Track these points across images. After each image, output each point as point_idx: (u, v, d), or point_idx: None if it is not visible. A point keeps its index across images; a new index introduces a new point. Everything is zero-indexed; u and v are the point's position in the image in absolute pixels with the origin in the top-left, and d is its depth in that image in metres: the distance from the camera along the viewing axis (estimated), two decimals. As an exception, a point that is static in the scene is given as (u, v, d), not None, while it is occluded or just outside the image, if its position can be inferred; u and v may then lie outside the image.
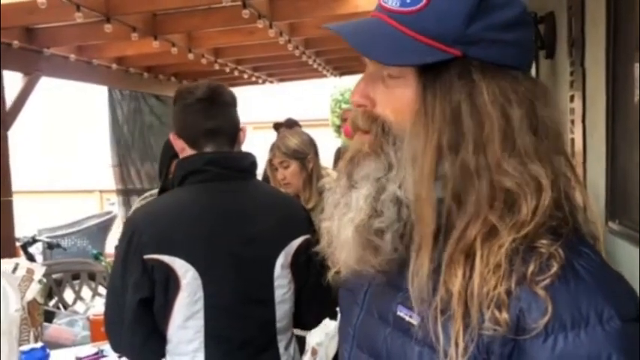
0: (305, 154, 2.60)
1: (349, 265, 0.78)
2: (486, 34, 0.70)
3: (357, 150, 0.79)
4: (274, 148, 2.62)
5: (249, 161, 1.65)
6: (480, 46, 0.70)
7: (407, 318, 0.74)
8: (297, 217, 1.67)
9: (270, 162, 2.69)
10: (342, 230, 0.76)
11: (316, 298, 1.64)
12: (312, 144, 2.67)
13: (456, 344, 0.66)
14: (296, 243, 1.60)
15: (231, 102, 1.65)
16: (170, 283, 1.48)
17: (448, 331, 0.67)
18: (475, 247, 0.68)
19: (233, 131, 1.64)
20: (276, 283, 1.58)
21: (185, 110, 1.61)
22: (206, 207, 1.56)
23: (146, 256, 1.48)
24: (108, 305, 1.58)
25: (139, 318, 1.50)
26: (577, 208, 0.73)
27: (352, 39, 0.73)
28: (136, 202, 3.52)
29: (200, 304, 1.50)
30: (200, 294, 1.49)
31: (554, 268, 0.65)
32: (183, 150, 1.63)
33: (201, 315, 1.50)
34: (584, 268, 0.67)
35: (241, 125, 1.68)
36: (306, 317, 1.73)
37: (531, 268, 0.66)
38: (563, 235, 0.69)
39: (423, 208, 0.71)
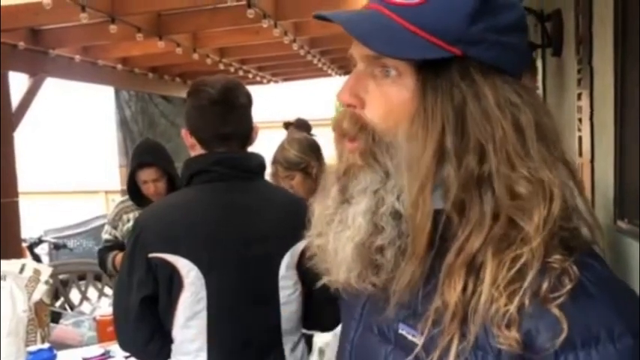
0: (307, 162, 2.54)
1: (349, 284, 0.74)
2: (488, 36, 0.66)
3: (351, 163, 0.74)
4: (275, 162, 2.56)
5: (257, 162, 1.64)
6: (481, 47, 0.66)
7: (409, 337, 0.70)
8: (304, 218, 1.65)
9: (273, 175, 2.63)
10: (340, 249, 0.72)
11: (329, 298, 1.63)
12: (312, 148, 2.60)
13: (445, 357, 0.64)
14: (302, 244, 1.59)
15: (247, 103, 1.62)
16: (174, 282, 1.48)
17: (437, 344, 0.65)
18: (478, 260, 0.65)
19: (246, 133, 1.62)
20: (281, 283, 1.57)
21: (199, 110, 1.58)
22: (211, 207, 1.56)
23: (151, 255, 1.49)
24: (115, 303, 1.60)
25: (142, 316, 1.51)
26: (582, 216, 0.70)
27: (350, 27, 0.67)
28: (115, 205, 3.38)
29: (203, 304, 1.50)
30: (203, 294, 1.49)
31: (567, 286, 0.62)
32: (194, 147, 1.62)
33: (203, 314, 1.50)
34: (591, 281, 0.64)
35: (254, 124, 1.65)
36: (320, 318, 1.70)
37: (545, 285, 0.62)
38: (575, 249, 0.66)
39: (420, 215, 0.66)
